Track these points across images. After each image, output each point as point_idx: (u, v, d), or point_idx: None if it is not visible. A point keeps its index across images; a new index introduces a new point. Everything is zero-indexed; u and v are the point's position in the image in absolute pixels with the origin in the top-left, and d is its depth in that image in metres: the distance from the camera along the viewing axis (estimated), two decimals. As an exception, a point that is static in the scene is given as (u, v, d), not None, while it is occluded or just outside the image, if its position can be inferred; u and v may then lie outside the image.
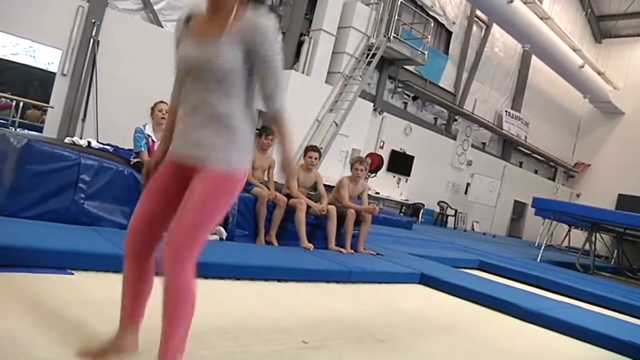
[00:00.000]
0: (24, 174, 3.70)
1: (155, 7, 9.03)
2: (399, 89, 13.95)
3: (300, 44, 10.93)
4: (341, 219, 5.48)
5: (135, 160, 4.54)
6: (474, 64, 16.32)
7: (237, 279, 3.61)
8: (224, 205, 1.79)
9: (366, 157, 11.02)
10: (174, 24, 8.79)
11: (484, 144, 17.64)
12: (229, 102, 1.74)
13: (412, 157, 14.34)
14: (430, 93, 14.43)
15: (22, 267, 2.72)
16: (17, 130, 7.06)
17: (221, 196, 1.75)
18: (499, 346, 3.35)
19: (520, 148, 19.15)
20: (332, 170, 10.59)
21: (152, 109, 4.68)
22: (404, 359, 2.72)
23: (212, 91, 1.74)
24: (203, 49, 1.74)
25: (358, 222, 5.63)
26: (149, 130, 4.59)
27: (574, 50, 17.43)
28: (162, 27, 9.11)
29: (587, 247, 9.80)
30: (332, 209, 5.39)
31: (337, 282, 4.25)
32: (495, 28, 16.34)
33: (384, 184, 13.48)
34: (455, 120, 16.02)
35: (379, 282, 4.61)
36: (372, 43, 11.52)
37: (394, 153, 13.88)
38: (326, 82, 11.11)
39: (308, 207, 5.21)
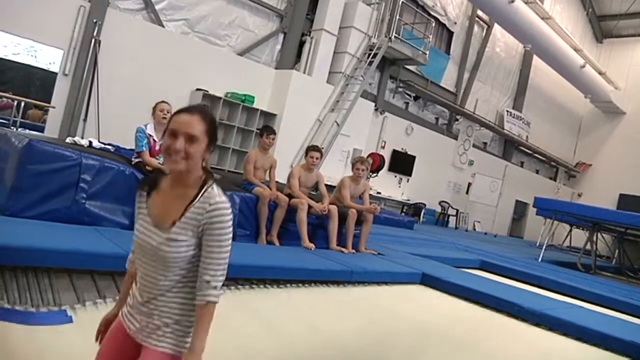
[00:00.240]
0: (25, 174, 3.70)
1: (157, 7, 9.03)
2: (400, 89, 13.95)
3: (301, 44, 10.94)
4: (342, 218, 5.48)
5: (137, 160, 4.54)
6: (475, 63, 16.31)
7: (238, 278, 3.61)
8: None
9: (367, 157, 11.00)
10: (175, 23, 8.76)
11: (485, 143, 17.63)
12: (179, 289, 1.63)
13: (414, 157, 14.33)
14: (431, 93, 14.42)
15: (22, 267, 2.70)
16: (19, 130, 7.07)
17: None
18: (500, 346, 3.35)
19: (522, 148, 19.13)
20: (333, 170, 10.59)
21: (154, 108, 4.69)
22: (405, 357, 2.72)
23: (163, 277, 1.62)
24: (158, 238, 1.61)
25: (359, 222, 5.63)
26: (150, 130, 4.60)
27: (575, 50, 17.41)
28: (163, 27, 9.11)
29: (588, 247, 9.80)
30: (334, 208, 5.39)
31: (338, 282, 4.24)
32: (496, 28, 16.33)
33: (385, 184, 13.48)
34: (457, 120, 16.01)
35: (380, 282, 4.61)
36: (373, 43, 11.51)
37: (395, 153, 13.87)
38: (327, 82, 11.11)
39: (309, 207, 5.21)
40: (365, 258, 5.24)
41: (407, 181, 14.36)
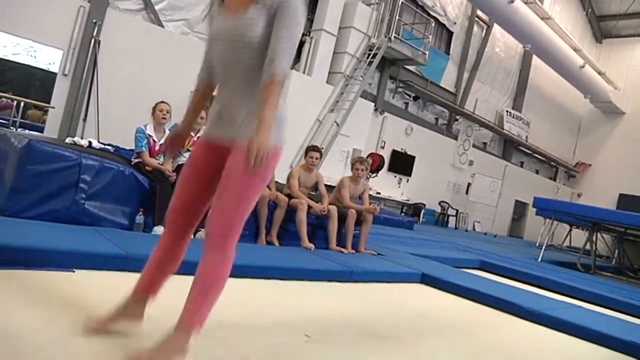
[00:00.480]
0: (25, 174, 3.70)
1: (156, 7, 9.04)
2: (400, 89, 13.96)
3: (301, 44, 10.94)
4: (342, 219, 5.48)
5: (137, 160, 4.54)
6: (475, 64, 16.32)
7: (238, 278, 3.61)
8: (262, 181, 1.81)
9: (367, 157, 11.00)
10: (175, 24, 8.77)
11: (485, 144, 17.64)
12: (256, 82, 1.76)
13: (413, 157, 14.34)
14: (431, 93, 14.43)
15: (23, 266, 2.73)
16: (18, 130, 7.07)
17: (259, 170, 1.73)
18: (500, 346, 3.35)
19: (521, 148, 19.15)
20: (333, 170, 10.59)
21: (153, 109, 4.69)
22: (406, 357, 2.72)
23: (246, 67, 1.78)
24: (236, 23, 1.78)
25: (359, 222, 5.63)
26: (150, 131, 4.60)
27: (575, 50, 17.43)
28: (163, 27, 9.12)
29: (588, 247, 9.80)
30: (333, 209, 5.39)
31: (339, 282, 4.25)
32: (496, 28, 16.34)
33: (385, 184, 13.49)
34: (456, 120, 16.02)
35: (380, 282, 4.61)
36: (373, 43, 11.52)
37: (395, 153, 13.88)
38: (327, 82, 11.12)
39: (309, 207, 5.21)
40: (365, 258, 5.24)
41: (407, 181, 14.36)
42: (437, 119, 15.55)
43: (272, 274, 3.86)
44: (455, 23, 15.27)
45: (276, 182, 5.32)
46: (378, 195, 12.87)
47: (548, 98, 19.86)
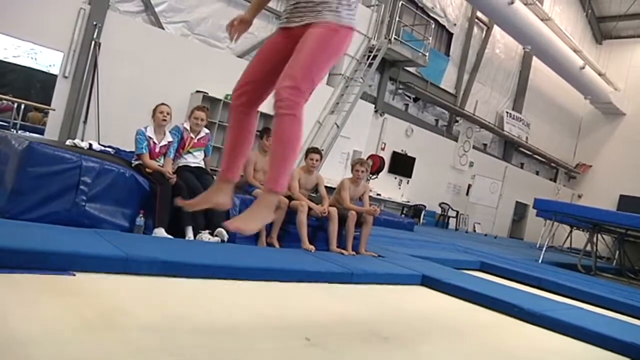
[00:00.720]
0: (25, 176, 3.71)
1: (157, 9, 9.05)
2: (400, 91, 13.96)
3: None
4: (342, 220, 5.48)
5: (137, 162, 4.55)
6: (475, 65, 16.33)
7: (239, 280, 3.61)
8: (334, 54, 1.96)
9: (367, 158, 10.99)
10: (175, 26, 8.81)
11: (485, 145, 17.64)
12: None
13: (414, 159, 14.34)
14: (431, 94, 14.43)
15: (23, 269, 2.73)
16: (19, 132, 7.07)
17: (332, 43, 1.91)
18: (501, 347, 3.34)
19: (522, 149, 19.14)
20: (333, 172, 10.59)
21: (154, 111, 4.70)
22: (407, 359, 2.72)
23: None
24: None
25: (359, 224, 5.63)
26: (150, 133, 4.61)
27: (575, 51, 17.43)
28: (163, 29, 9.12)
29: (588, 248, 9.80)
30: (333, 210, 5.39)
31: (339, 283, 4.24)
32: (496, 29, 16.35)
33: (385, 186, 13.48)
34: (457, 121, 16.03)
35: (381, 284, 4.60)
36: (373, 45, 11.52)
37: (395, 155, 13.88)
38: (327, 83, 11.12)
39: (309, 208, 5.21)
40: (366, 260, 5.23)
41: (407, 183, 14.36)
42: (437, 121, 15.55)
43: (273, 275, 3.86)
44: (455, 24, 15.28)
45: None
46: (378, 197, 12.86)
47: (548, 99, 19.86)
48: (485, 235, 15.83)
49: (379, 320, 3.46)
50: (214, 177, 5.16)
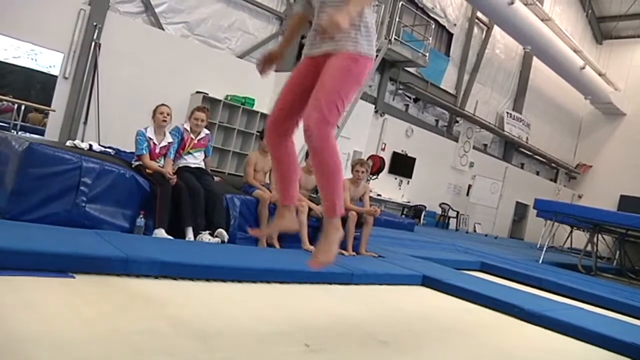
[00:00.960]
0: (25, 177, 3.71)
1: (157, 10, 9.05)
2: (400, 91, 13.96)
3: (301, 46, 10.91)
4: (342, 221, 5.46)
5: (137, 163, 4.55)
6: (475, 65, 16.33)
7: (239, 281, 3.61)
8: (356, 83, 2.03)
9: (367, 159, 10.99)
10: (175, 26, 8.80)
11: (485, 145, 17.63)
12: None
13: (414, 159, 14.33)
14: (431, 95, 14.43)
15: (23, 271, 2.73)
16: (19, 133, 7.08)
17: (353, 73, 2.00)
18: (501, 348, 3.34)
19: (522, 149, 19.13)
20: (333, 172, 10.56)
21: (154, 111, 4.70)
22: (406, 359, 2.72)
23: None
24: None
25: (360, 225, 5.63)
26: (150, 133, 4.61)
27: (575, 51, 17.42)
28: (163, 30, 9.13)
29: (589, 248, 9.79)
30: (334, 211, 5.37)
31: (339, 284, 4.24)
32: (496, 30, 16.34)
33: (385, 186, 13.48)
34: (457, 122, 16.02)
35: (381, 284, 4.60)
36: (373, 45, 11.51)
37: (395, 155, 13.87)
38: (327, 84, 11.11)
39: (310, 209, 5.21)
40: (366, 260, 5.23)
41: (408, 183, 14.35)
42: (437, 121, 15.54)
43: (273, 276, 3.86)
44: (455, 25, 15.28)
45: (277, 184, 5.31)
46: (378, 198, 12.86)
47: (548, 99, 19.85)
48: (486, 235, 15.82)
49: (379, 320, 3.46)
50: (214, 177, 5.17)
